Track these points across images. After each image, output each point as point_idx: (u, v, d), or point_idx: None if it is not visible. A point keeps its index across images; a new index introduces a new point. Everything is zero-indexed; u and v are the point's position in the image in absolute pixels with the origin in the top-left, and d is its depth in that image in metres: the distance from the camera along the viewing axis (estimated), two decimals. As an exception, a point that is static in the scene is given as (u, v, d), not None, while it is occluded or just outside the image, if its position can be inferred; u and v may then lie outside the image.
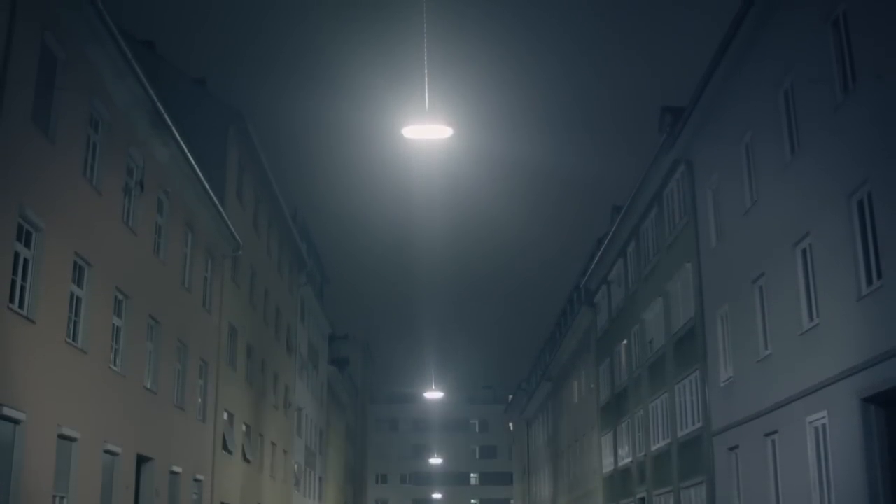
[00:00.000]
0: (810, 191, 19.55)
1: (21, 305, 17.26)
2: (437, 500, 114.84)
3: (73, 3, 18.76)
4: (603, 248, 42.21)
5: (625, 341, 38.54)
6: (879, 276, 16.67)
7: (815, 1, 19.06)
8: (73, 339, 19.86)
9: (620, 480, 39.47)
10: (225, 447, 32.89)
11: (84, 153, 20.41)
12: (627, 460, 38.23)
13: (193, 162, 26.93)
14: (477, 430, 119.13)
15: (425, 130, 16.98)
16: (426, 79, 16.44)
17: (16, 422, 16.85)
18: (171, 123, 24.49)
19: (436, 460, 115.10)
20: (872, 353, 16.73)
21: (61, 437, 18.98)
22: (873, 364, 16.71)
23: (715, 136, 26.07)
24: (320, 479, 59.88)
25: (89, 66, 20.32)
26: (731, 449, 25.14)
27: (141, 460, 24.44)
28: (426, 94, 16.59)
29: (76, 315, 20.09)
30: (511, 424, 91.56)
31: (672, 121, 30.19)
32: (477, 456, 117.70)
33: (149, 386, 24.87)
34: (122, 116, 22.49)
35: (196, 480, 29.34)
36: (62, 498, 19.32)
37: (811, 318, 19.79)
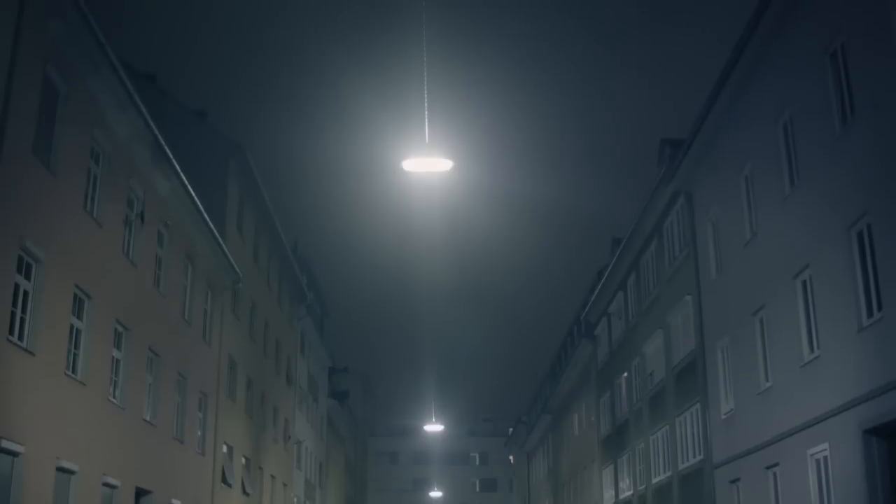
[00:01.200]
0: (810, 222, 19.57)
1: (21, 337, 17.24)
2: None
3: (75, 37, 18.86)
4: (603, 280, 42.17)
5: (625, 374, 38.45)
6: (880, 307, 16.65)
7: (813, 33, 19.15)
8: (73, 372, 19.82)
9: (621, 514, 39.28)
10: (224, 480, 32.74)
11: (85, 185, 20.45)
12: (628, 493, 38.05)
13: (194, 194, 26.98)
14: (477, 462, 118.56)
15: (426, 163, 17.00)
16: (426, 112, 16.50)
17: (14, 454, 16.79)
18: (171, 156, 24.56)
19: (436, 493, 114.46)
20: (873, 384, 16.69)
21: (60, 469, 18.90)
22: (874, 396, 16.67)
23: (714, 168, 26.12)
24: (320, 512, 59.57)
25: (90, 99, 20.39)
26: (733, 482, 25.02)
27: (140, 493, 24.32)
28: (426, 127, 16.64)
29: (76, 347, 20.06)
30: (511, 457, 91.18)
31: (671, 153, 30.26)
32: (477, 489, 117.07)
33: (148, 418, 24.80)
34: (123, 149, 22.55)
35: (195, 514, 29.21)
36: (60, 531, 19.23)
37: (812, 350, 19.75)
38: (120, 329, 22.73)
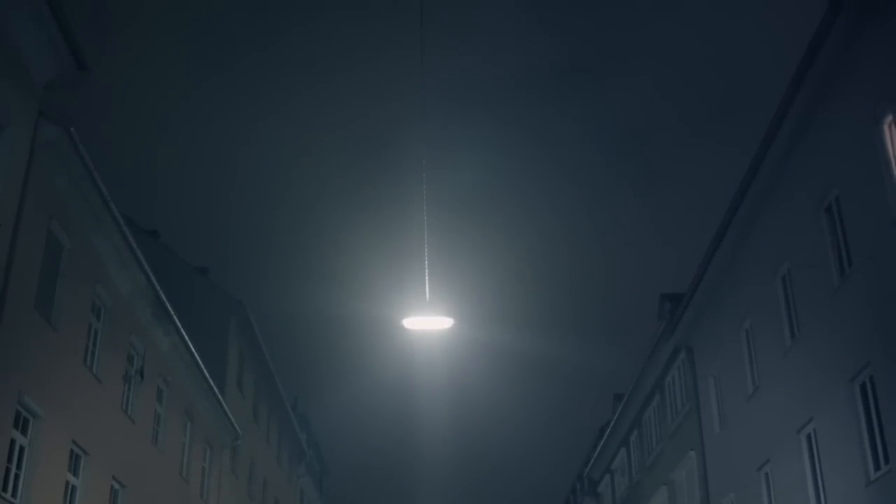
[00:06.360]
0: (812, 375, 19.48)
1: (14, 494, 16.98)
2: None
3: (81, 193, 19.13)
4: (605, 436, 41.78)
5: (630, 533, 37.71)
6: (887, 460, 16.43)
7: (807, 188, 19.41)
8: (67, 530, 19.46)
9: None
10: None
11: (85, 340, 20.46)
12: None
13: (194, 351, 26.95)
14: None
15: (426, 321, 17.08)
16: (426, 270, 16.57)
17: None
18: (172, 312, 24.62)
19: None
20: (883, 540, 16.35)
21: None
22: (885, 552, 16.31)
23: (714, 322, 26.14)
24: None
25: (94, 255, 20.56)
26: None
27: None
28: (426, 285, 16.69)
29: (71, 505, 19.75)
30: None
31: (671, 308, 30.30)
32: None
33: (142, 580, 24.21)
34: (125, 304, 22.63)
35: None
36: None
37: (819, 506, 19.43)
38: (116, 486, 22.40)
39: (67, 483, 19.50)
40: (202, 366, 27.88)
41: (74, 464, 19.95)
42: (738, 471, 24.45)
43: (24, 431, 17.44)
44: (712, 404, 26.76)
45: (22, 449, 17.37)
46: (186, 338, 26.13)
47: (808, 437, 20.00)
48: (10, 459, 16.82)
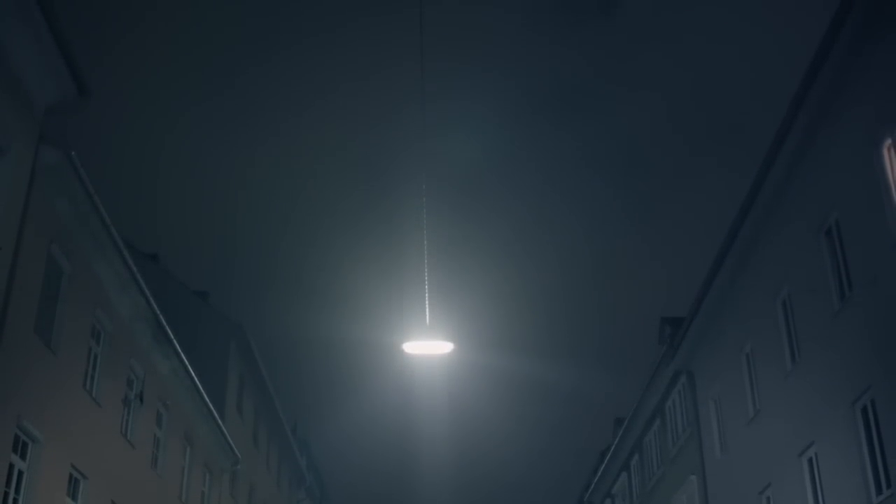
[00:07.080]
0: (813, 399, 19.42)
1: (13, 519, 16.93)
2: None
3: (81, 217, 19.13)
4: (606, 461, 41.66)
5: (631, 558, 37.55)
6: (889, 484, 16.37)
7: (807, 212, 19.41)
8: (65, 555, 19.36)
9: None
10: None
11: (85, 364, 20.43)
12: None
13: (194, 375, 26.90)
14: None
15: (426, 346, 17.07)
16: (427, 294, 16.56)
17: None
18: (172, 336, 24.58)
19: None
20: (886, 565, 16.27)
21: None
22: (887, 577, 16.23)
23: (715, 346, 26.10)
24: None
25: (94, 279, 20.55)
26: None
27: None
28: (427, 310, 16.68)
29: (69, 530, 19.66)
30: None
31: (671, 332, 30.25)
32: None
33: None
34: (125, 328, 22.61)
35: None
36: None
37: (821, 530, 19.34)
38: (115, 511, 22.33)
39: (66, 508, 19.45)
40: (202, 390, 27.82)
41: (73, 488, 19.88)
42: (739, 495, 24.36)
43: (22, 456, 17.39)
44: (713, 428, 26.69)
45: (21, 473, 17.31)
46: (186, 362, 26.09)
47: (810, 460, 19.94)
48: (8, 484, 16.76)
